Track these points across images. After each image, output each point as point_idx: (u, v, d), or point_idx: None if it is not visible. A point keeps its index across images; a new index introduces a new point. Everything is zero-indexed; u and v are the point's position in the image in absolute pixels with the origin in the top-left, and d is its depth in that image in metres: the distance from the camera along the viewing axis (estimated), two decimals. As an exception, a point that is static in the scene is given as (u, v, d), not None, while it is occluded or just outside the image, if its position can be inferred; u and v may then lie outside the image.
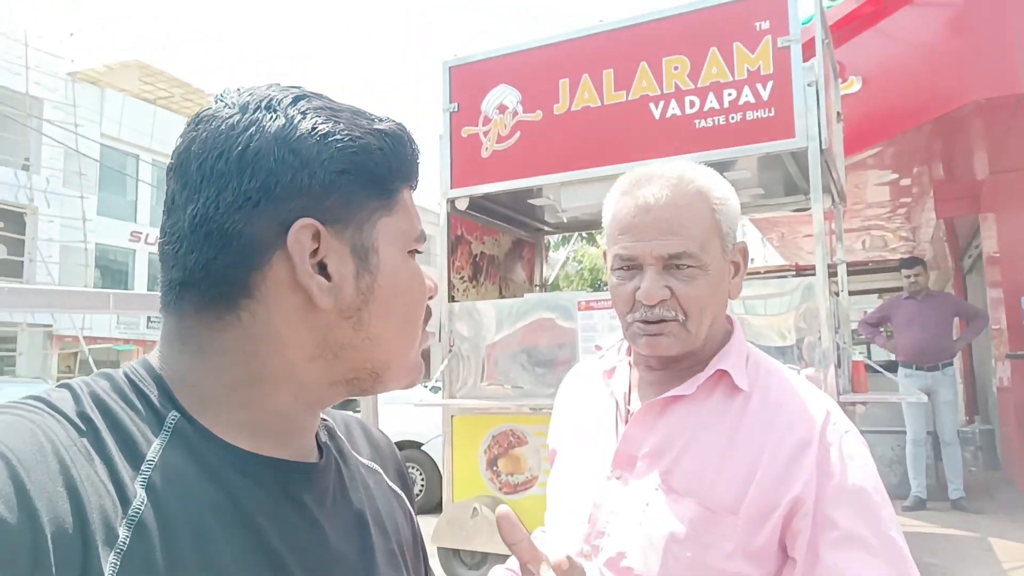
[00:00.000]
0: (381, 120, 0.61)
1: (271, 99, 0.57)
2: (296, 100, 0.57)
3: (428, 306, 0.65)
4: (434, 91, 3.60)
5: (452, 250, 3.52)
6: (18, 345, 14.93)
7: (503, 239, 4.01)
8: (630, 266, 1.00)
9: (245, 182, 0.53)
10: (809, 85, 2.80)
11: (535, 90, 3.31)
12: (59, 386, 0.54)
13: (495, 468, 3.26)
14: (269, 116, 0.55)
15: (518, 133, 3.32)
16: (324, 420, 0.69)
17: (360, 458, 0.71)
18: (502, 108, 3.36)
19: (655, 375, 1.06)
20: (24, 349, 14.47)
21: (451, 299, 3.46)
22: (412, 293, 0.62)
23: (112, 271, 18.93)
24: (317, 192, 0.55)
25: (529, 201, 3.69)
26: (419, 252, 0.64)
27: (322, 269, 0.56)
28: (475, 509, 3.11)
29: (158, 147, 18.22)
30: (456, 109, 3.46)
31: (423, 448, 6.61)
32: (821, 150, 2.77)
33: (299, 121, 0.56)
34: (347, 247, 0.57)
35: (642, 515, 0.96)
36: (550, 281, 4.65)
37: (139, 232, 18.69)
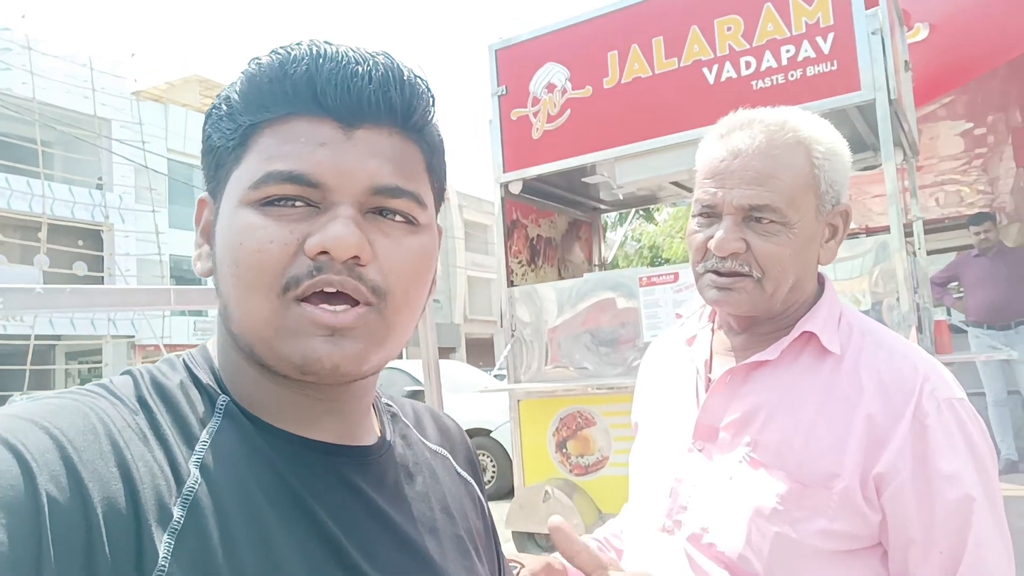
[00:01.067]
0: (275, 53, 0.52)
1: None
2: (252, 60, 0.55)
3: (312, 266, 0.49)
4: (482, 76, 3.57)
5: (508, 234, 3.50)
6: (103, 356, 15.67)
7: (559, 220, 3.96)
8: (709, 213, 0.94)
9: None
10: (873, 34, 2.64)
11: (583, 66, 3.24)
12: (123, 373, 0.54)
13: (564, 450, 3.23)
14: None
15: (568, 111, 3.26)
16: (389, 406, 0.67)
17: (428, 443, 0.68)
18: (551, 87, 3.30)
19: (737, 340, 0.99)
20: (109, 360, 15.17)
21: (510, 284, 3.44)
22: (234, 251, 0.50)
23: (186, 280, 19.67)
24: (203, 166, 0.56)
25: (583, 180, 3.63)
26: (273, 201, 0.50)
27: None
28: (547, 492, 3.09)
29: (222, 158, 18.79)
30: (504, 92, 3.42)
31: (492, 435, 6.64)
32: (890, 101, 2.62)
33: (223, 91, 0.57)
34: (216, 213, 0.55)
35: (725, 489, 0.91)
36: (609, 261, 4.58)
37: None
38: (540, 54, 3.34)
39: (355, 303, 0.51)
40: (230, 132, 0.52)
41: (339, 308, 0.50)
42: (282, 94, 0.51)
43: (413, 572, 0.56)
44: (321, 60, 0.50)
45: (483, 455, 6.65)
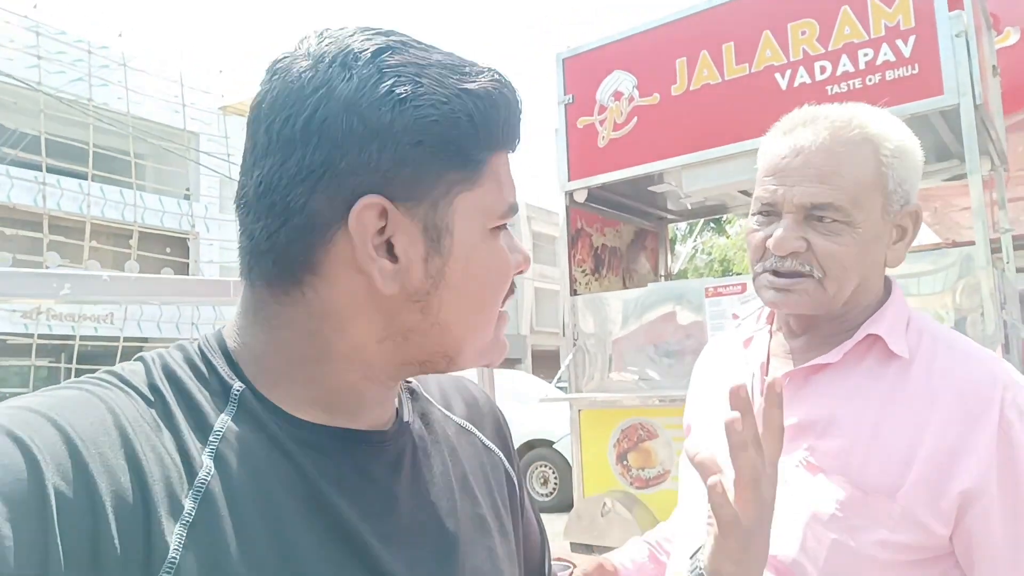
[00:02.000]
0: (474, 77, 0.52)
1: (349, 52, 0.51)
2: (377, 54, 0.51)
3: (512, 282, 0.60)
4: (549, 85, 3.58)
5: (572, 243, 3.48)
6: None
7: (624, 230, 3.91)
8: (769, 211, 0.90)
9: (309, 153, 0.49)
10: (958, 36, 2.52)
11: (651, 73, 3.20)
12: (135, 359, 0.54)
13: (625, 462, 3.18)
14: (343, 75, 0.50)
15: (635, 119, 3.23)
16: (408, 382, 0.66)
17: (452, 416, 0.67)
18: (617, 95, 3.28)
19: (797, 341, 0.95)
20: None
21: (573, 292, 3.41)
22: (489, 276, 0.56)
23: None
24: (387, 167, 0.50)
25: (650, 188, 3.58)
26: (506, 227, 0.58)
27: (390, 249, 0.51)
28: (606, 504, 3.04)
29: (300, 169, 19.41)
30: (571, 101, 3.42)
31: (555, 446, 6.60)
32: (975, 106, 2.49)
33: (374, 83, 0.49)
34: (418, 227, 0.52)
35: (781, 493, 0.88)
36: (676, 273, 4.50)
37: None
38: (607, 62, 3.32)
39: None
40: (464, 151, 0.53)
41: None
42: (513, 130, 0.56)
43: (430, 558, 0.56)
44: (521, 104, 0.57)
45: (545, 466, 6.62)
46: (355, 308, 0.53)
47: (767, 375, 0.97)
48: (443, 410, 0.68)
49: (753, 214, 0.94)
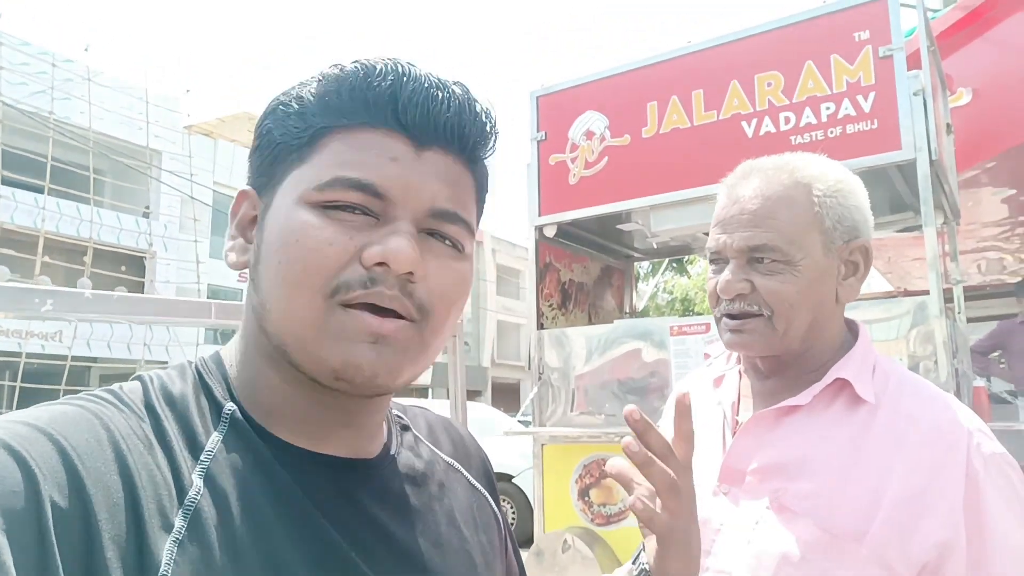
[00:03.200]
0: (342, 64, 0.55)
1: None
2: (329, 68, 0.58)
3: (367, 276, 0.50)
4: (521, 121, 3.63)
5: (541, 277, 3.51)
6: (136, 380, 15.90)
7: (592, 266, 3.96)
8: (717, 259, 0.96)
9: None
10: (915, 94, 2.64)
11: (623, 115, 3.28)
12: (132, 378, 0.54)
13: (587, 498, 3.17)
14: None
15: (606, 158, 3.29)
16: (400, 417, 0.67)
17: (440, 454, 0.68)
18: (589, 134, 3.35)
19: (766, 384, 0.98)
20: (142, 384, 15.37)
21: (540, 326, 3.43)
22: (288, 248, 0.50)
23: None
24: (253, 161, 0.56)
25: (618, 226, 3.64)
26: (337, 205, 0.51)
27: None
28: (566, 541, 3.03)
29: (265, 193, 19.30)
30: (543, 138, 3.47)
31: (514, 480, 6.56)
32: (931, 161, 2.61)
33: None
34: (263, 208, 0.56)
35: (751, 533, 0.89)
36: (639, 310, 4.55)
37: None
38: (580, 102, 3.40)
39: (399, 317, 0.51)
40: (297, 130, 0.53)
41: (386, 318, 0.51)
42: (363, 104, 0.52)
43: None
44: (405, 78, 0.52)
45: (504, 501, 6.56)
46: (247, 298, 0.57)
47: (738, 415, 1.00)
48: (431, 447, 0.68)
49: (710, 263, 1.00)
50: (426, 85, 0.53)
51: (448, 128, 0.53)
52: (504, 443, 6.51)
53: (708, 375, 1.09)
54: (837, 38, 2.83)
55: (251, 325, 0.55)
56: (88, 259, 11.92)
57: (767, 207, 0.92)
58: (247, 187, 0.57)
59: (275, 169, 0.54)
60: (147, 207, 16.96)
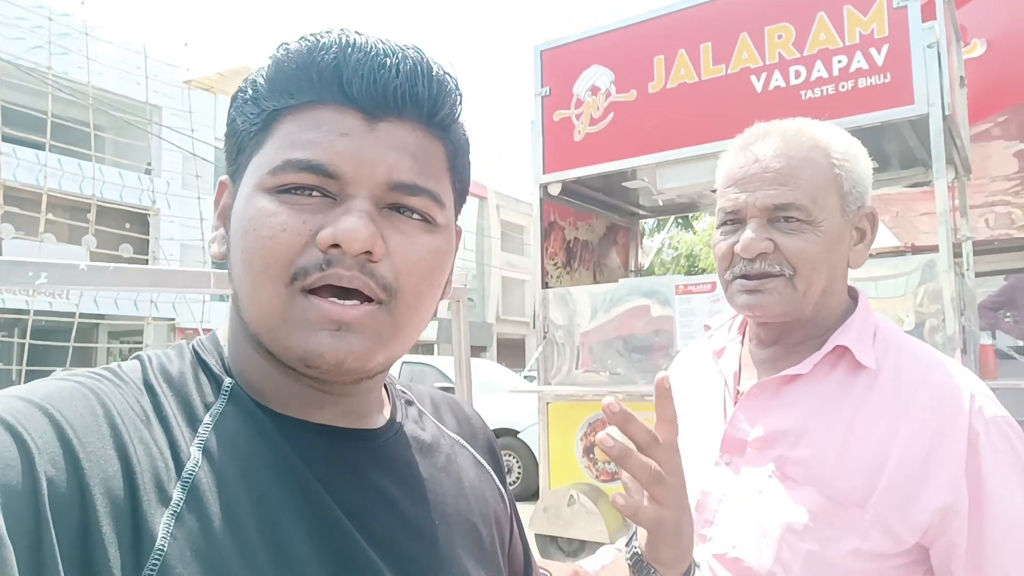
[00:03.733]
0: (300, 40, 0.52)
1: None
2: (280, 46, 0.56)
3: (324, 258, 0.48)
4: (525, 76, 3.56)
5: (545, 236, 3.49)
6: (144, 338, 16.05)
7: (597, 224, 3.94)
8: (734, 219, 0.93)
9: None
10: (929, 47, 2.58)
11: (628, 69, 3.21)
12: (132, 358, 0.54)
13: (591, 456, 3.21)
14: None
15: (611, 115, 3.24)
16: (404, 392, 0.67)
17: (445, 429, 0.67)
18: (595, 90, 3.29)
19: (766, 352, 0.98)
20: (150, 341, 15.53)
21: (544, 285, 3.43)
22: (247, 237, 0.50)
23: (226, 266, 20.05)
24: (225, 149, 0.56)
25: (623, 184, 3.61)
26: (289, 188, 0.49)
27: None
28: (572, 496, 3.08)
29: (267, 148, 19.13)
30: (548, 93, 3.41)
31: (519, 436, 6.64)
32: (944, 116, 2.55)
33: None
34: (233, 197, 0.55)
35: (754, 503, 0.89)
36: (645, 268, 4.54)
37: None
38: (585, 56, 3.33)
39: (366, 299, 0.50)
40: (253, 116, 0.52)
41: (348, 303, 0.49)
42: (307, 81, 0.50)
43: (418, 555, 0.56)
44: (350, 49, 0.50)
45: (509, 456, 6.66)
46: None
47: (739, 385, 0.99)
48: (436, 423, 0.68)
49: (718, 227, 0.97)
50: (372, 54, 0.50)
51: (400, 96, 0.51)
52: (509, 399, 6.57)
53: (708, 347, 1.08)
54: (851, -12, 2.75)
55: (233, 310, 0.55)
56: (92, 216, 11.90)
57: (791, 166, 0.90)
58: (224, 177, 0.57)
59: (240, 158, 0.54)
60: (149, 164, 16.88)
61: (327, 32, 0.51)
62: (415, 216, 0.52)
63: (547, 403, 3.34)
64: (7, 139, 11.70)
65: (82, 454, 0.43)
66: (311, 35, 0.51)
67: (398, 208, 0.52)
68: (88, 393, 0.47)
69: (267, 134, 0.51)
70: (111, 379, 0.50)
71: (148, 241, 16.59)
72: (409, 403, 0.66)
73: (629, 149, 3.19)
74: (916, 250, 6.49)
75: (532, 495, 5.43)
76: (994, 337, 5.02)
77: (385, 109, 0.51)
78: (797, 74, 2.85)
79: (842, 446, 0.86)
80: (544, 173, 3.38)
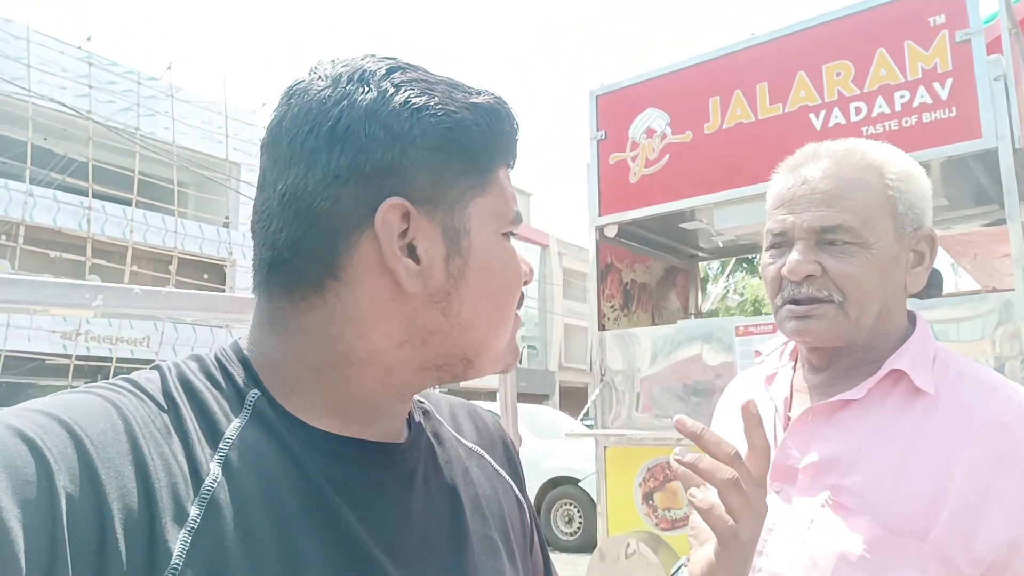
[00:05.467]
0: (478, 93, 0.57)
1: (364, 71, 0.54)
2: (389, 72, 0.55)
3: (522, 291, 0.62)
4: (581, 121, 3.61)
5: (602, 278, 3.47)
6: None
7: (655, 266, 3.90)
8: (781, 243, 0.91)
9: (335, 159, 0.51)
10: (996, 79, 2.50)
11: (684, 111, 3.22)
12: (151, 367, 0.54)
13: (651, 502, 3.12)
14: (361, 89, 0.53)
15: (667, 156, 3.24)
16: (421, 402, 0.67)
17: (463, 440, 0.67)
18: (650, 132, 3.30)
19: (819, 377, 0.94)
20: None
21: (601, 327, 3.40)
22: (506, 277, 0.58)
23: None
24: (408, 170, 0.52)
25: (681, 225, 3.57)
26: (514, 235, 0.60)
27: (411, 251, 0.53)
28: (629, 545, 2.98)
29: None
30: (603, 137, 3.44)
31: (580, 484, 6.51)
32: (1015, 149, 2.45)
33: (391, 95, 0.53)
34: (438, 228, 0.54)
35: (805, 532, 0.85)
36: (706, 311, 4.45)
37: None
38: (640, 100, 3.35)
39: None
40: (476, 158, 0.56)
41: None
42: (513, 145, 0.60)
43: (438, 574, 0.55)
44: (513, 119, 0.60)
45: (569, 504, 6.52)
46: (377, 311, 0.54)
47: (790, 411, 0.96)
48: (454, 433, 0.68)
49: (766, 249, 0.95)
50: (518, 126, 0.60)
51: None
52: (570, 446, 6.47)
53: (759, 373, 1.05)
54: (910, 23, 2.71)
55: (384, 340, 0.55)
56: (173, 268, 12.49)
57: (840, 187, 0.88)
58: (399, 199, 0.52)
59: (446, 190, 0.55)
60: (227, 217, 17.67)
61: (502, 99, 0.60)
62: None
63: (604, 448, 3.27)
64: (96, 195, 12.49)
65: (101, 470, 0.43)
66: (500, 100, 0.59)
67: None
68: (110, 407, 0.47)
69: (489, 183, 0.57)
70: (132, 391, 0.50)
71: (224, 291, 17.26)
72: (426, 413, 0.66)
73: (685, 190, 3.17)
74: (989, 293, 6.15)
75: (594, 545, 5.30)
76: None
77: (512, 168, 0.63)
78: (858, 111, 2.79)
79: (898, 473, 0.82)
80: (600, 215, 3.38)
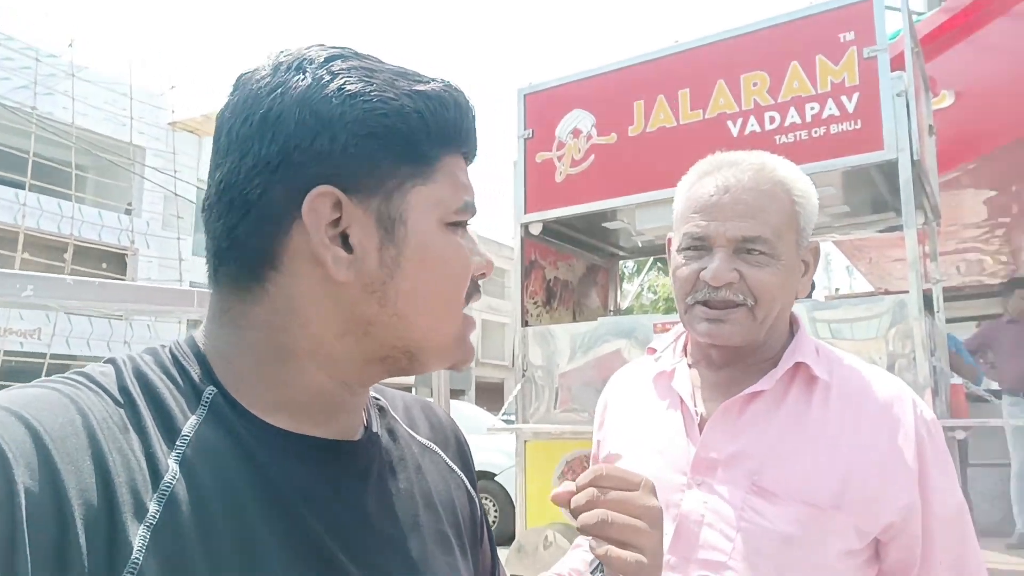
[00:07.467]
0: (427, 81, 0.55)
1: (304, 59, 0.54)
2: (329, 60, 0.54)
3: (476, 283, 0.60)
4: (508, 119, 3.64)
5: (526, 275, 3.51)
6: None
7: (577, 264, 3.97)
8: (699, 246, 0.96)
9: (265, 147, 0.51)
10: (899, 95, 2.67)
11: (609, 113, 3.29)
12: (105, 361, 0.53)
13: (571, 496, 3.18)
14: (297, 77, 0.52)
15: (592, 156, 3.30)
16: (376, 399, 0.67)
17: (417, 436, 0.68)
18: (576, 132, 3.35)
19: (719, 375, 1.01)
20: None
21: (524, 323, 3.44)
22: (447, 268, 0.57)
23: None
24: (338, 158, 0.52)
25: (603, 225, 3.65)
26: (464, 224, 0.59)
27: (345, 240, 0.52)
28: (547, 537, 3.03)
29: (249, 190, 19.05)
30: (530, 135, 3.48)
31: (496, 479, 6.55)
32: (913, 162, 2.63)
33: (326, 82, 0.52)
34: (372, 217, 0.53)
35: (739, 521, 0.90)
36: (624, 309, 4.56)
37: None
38: (567, 100, 3.40)
39: None
40: (416, 145, 0.55)
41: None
42: (462, 133, 0.58)
43: (395, 570, 0.56)
44: (469, 110, 0.59)
45: (486, 499, 6.56)
46: (315, 301, 0.53)
47: (696, 406, 1.00)
48: (408, 429, 0.68)
49: (681, 250, 0.99)
50: (473, 115, 0.59)
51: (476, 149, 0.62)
52: (487, 441, 6.51)
53: (654, 368, 1.09)
54: (822, 39, 2.86)
55: (325, 330, 0.54)
56: (69, 256, 11.78)
57: (760, 201, 0.94)
58: (329, 187, 0.51)
59: (383, 178, 0.54)
60: (129, 204, 16.81)
61: (453, 87, 0.58)
62: None
63: (524, 442, 3.31)
64: (-13, 176, 11.66)
65: (60, 464, 0.42)
66: (452, 87, 0.58)
67: None
68: (67, 401, 0.46)
69: (433, 171, 0.56)
70: (89, 386, 0.49)
71: (125, 281, 16.42)
72: (382, 410, 0.66)
73: (609, 190, 3.25)
74: (888, 294, 6.59)
75: (509, 539, 5.35)
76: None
77: (471, 159, 0.62)
78: (771, 120, 2.93)
79: (812, 455, 0.90)
80: (525, 213, 3.42)
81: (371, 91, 0.53)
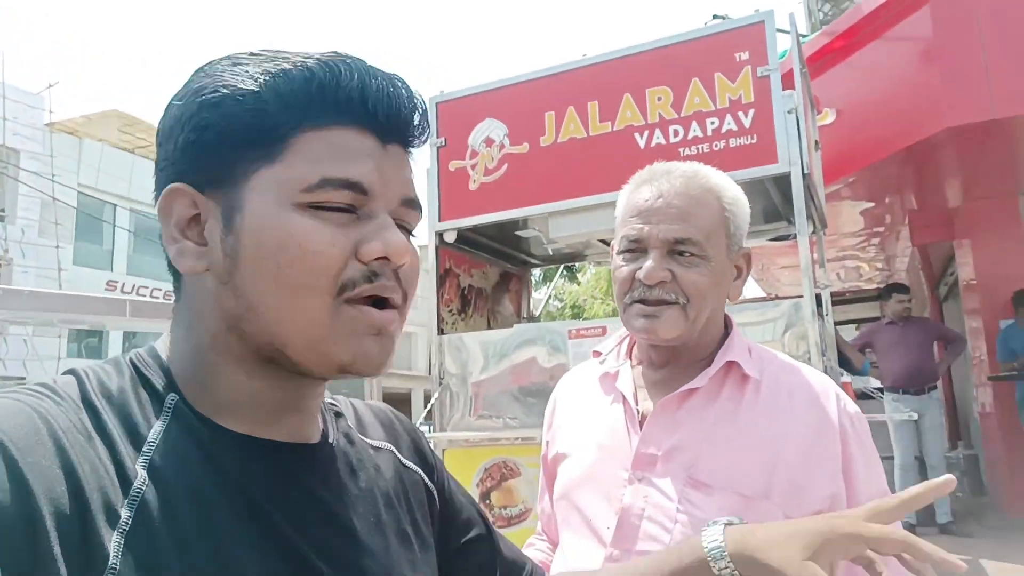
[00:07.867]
0: (291, 59, 0.54)
1: (202, 65, 0.57)
2: (215, 62, 0.56)
3: (369, 271, 0.52)
4: (420, 126, 3.63)
5: (441, 283, 3.52)
6: None
7: (491, 272, 4.01)
8: (635, 248, 1.03)
9: (159, 154, 0.56)
10: (789, 112, 2.87)
11: (521, 123, 3.35)
12: (65, 372, 0.53)
13: (488, 501, 3.20)
14: (183, 85, 0.56)
15: (505, 166, 3.35)
16: (333, 404, 0.68)
17: (369, 440, 0.69)
18: (489, 141, 3.40)
19: (659, 374, 1.07)
20: None
21: (440, 332, 3.44)
22: (287, 253, 0.51)
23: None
24: (187, 155, 0.53)
25: (516, 233, 3.71)
26: (325, 206, 0.52)
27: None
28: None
29: (136, 195, 18.11)
30: (443, 144, 3.49)
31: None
32: (804, 175, 2.83)
33: (188, 84, 0.55)
34: (220, 208, 0.53)
35: (677, 513, 0.96)
36: (535, 316, 4.64)
37: (115, 281, 18.37)
38: (480, 109, 3.44)
39: (390, 307, 0.55)
40: (258, 127, 0.52)
41: (387, 311, 0.54)
42: (333, 103, 0.53)
43: (363, 566, 0.57)
44: (368, 77, 0.54)
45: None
46: (203, 298, 0.55)
47: (638, 405, 1.06)
48: (360, 434, 0.69)
49: (619, 252, 1.05)
50: (388, 81, 0.55)
51: (406, 123, 0.56)
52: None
53: (600, 370, 1.15)
54: (720, 57, 3.03)
55: (214, 325, 0.54)
56: (-68, 266, 10.81)
57: (691, 206, 1.01)
58: (178, 184, 0.53)
59: (229, 167, 0.53)
60: (2, 210, 15.59)
61: (334, 54, 0.54)
62: (412, 233, 0.59)
63: (443, 450, 3.31)
64: None
65: (29, 474, 0.42)
66: (323, 57, 0.54)
67: (400, 223, 0.57)
68: (30, 411, 0.46)
69: (283, 149, 0.52)
70: (50, 395, 0.49)
71: (-3, 293, 15.18)
72: (338, 415, 0.68)
73: (522, 199, 3.31)
74: (778, 299, 7.01)
75: (424, 549, 5.30)
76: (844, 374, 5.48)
77: (395, 134, 0.56)
78: (676, 133, 3.07)
79: (742, 448, 0.96)
80: (439, 220, 3.43)
81: (213, 84, 0.53)
